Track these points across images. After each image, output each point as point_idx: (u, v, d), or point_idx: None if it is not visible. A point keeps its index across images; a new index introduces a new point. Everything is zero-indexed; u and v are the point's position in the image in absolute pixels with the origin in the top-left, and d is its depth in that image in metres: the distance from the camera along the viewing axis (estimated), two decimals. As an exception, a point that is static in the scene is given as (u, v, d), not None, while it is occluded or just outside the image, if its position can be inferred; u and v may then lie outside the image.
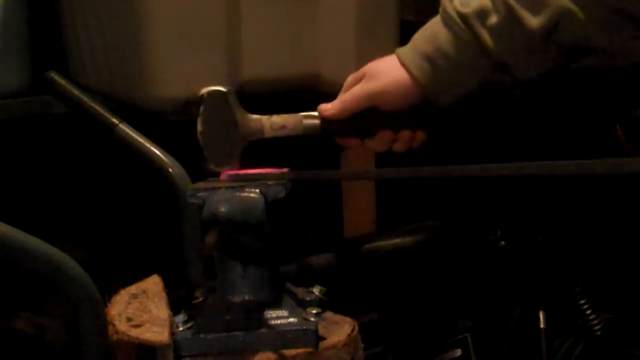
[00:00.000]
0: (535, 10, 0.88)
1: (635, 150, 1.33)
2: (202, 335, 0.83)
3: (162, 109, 1.11)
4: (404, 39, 1.04)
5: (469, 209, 1.53)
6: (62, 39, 1.27)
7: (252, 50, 1.11)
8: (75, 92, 1.16)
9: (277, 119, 0.99)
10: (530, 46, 0.90)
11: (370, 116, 0.98)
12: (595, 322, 1.48)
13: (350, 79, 1.01)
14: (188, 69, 1.08)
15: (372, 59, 1.01)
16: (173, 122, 1.14)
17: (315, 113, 1.00)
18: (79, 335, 0.84)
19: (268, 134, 0.99)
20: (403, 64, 0.95)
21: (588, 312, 1.48)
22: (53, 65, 1.21)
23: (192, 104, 1.00)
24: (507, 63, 0.92)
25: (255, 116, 0.99)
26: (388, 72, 0.96)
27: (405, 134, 0.98)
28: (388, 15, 1.23)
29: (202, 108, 0.96)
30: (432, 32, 0.95)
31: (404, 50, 0.97)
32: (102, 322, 0.84)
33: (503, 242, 1.52)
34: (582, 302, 1.48)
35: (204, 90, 0.96)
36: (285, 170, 0.93)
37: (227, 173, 0.95)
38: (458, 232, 1.43)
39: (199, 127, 0.96)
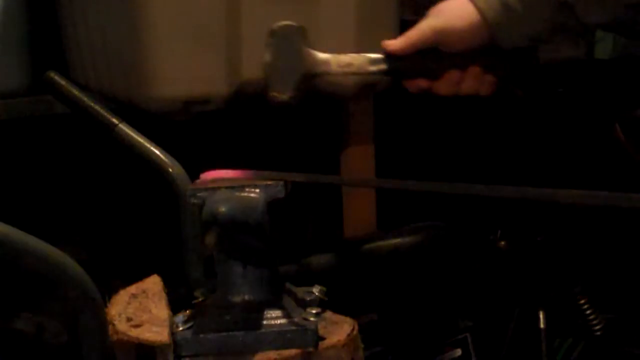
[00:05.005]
0: None
1: (635, 151, 1.33)
2: (202, 335, 0.83)
3: (162, 109, 1.11)
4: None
5: (469, 209, 1.53)
6: (62, 39, 1.27)
7: (252, 50, 1.11)
8: (75, 92, 1.16)
9: (344, 57, 1.00)
10: None
11: (437, 55, 0.98)
12: (595, 322, 1.48)
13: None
14: (188, 69, 1.08)
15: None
16: (173, 122, 1.14)
17: (381, 55, 1.00)
18: (79, 335, 0.84)
19: (335, 69, 0.99)
20: (472, 1, 0.95)
21: (588, 312, 1.48)
22: (53, 65, 1.21)
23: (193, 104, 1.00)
24: (572, 4, 0.93)
25: (322, 54, 0.99)
26: (456, 9, 0.97)
27: (473, 72, 0.98)
28: (388, 14, 1.23)
29: (272, 40, 0.97)
30: None
31: None
32: (102, 322, 0.84)
33: (503, 242, 1.52)
34: (582, 302, 1.48)
35: (276, 25, 0.97)
36: (250, 171, 0.91)
37: (207, 174, 0.92)
38: (458, 232, 1.43)
39: (267, 58, 0.97)
